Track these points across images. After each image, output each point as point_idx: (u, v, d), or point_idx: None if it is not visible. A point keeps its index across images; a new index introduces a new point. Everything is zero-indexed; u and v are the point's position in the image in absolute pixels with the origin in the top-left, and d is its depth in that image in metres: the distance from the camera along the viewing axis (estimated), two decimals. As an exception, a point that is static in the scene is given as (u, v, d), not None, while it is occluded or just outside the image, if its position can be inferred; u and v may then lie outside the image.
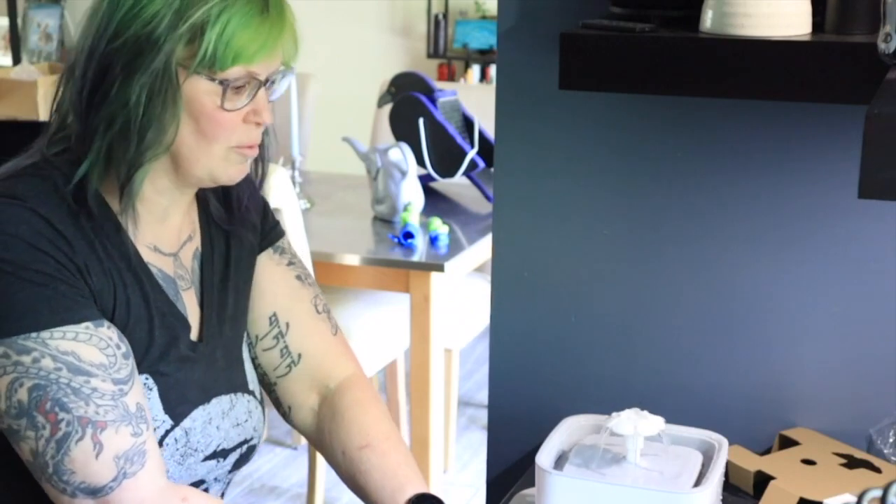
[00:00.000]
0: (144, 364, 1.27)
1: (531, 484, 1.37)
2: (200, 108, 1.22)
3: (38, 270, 1.19)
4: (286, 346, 1.45)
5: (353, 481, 1.40)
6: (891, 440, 1.41)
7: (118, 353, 1.22)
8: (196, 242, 1.38)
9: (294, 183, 3.20)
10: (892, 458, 1.40)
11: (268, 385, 1.47)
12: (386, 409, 1.47)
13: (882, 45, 1.02)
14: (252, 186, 1.40)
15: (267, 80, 1.26)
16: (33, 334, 1.17)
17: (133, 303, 1.27)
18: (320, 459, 2.95)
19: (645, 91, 1.34)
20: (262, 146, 1.33)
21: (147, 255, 1.30)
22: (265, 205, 1.48)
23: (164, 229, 1.33)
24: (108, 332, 1.22)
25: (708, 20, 1.22)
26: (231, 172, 1.28)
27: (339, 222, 3.16)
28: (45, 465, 1.18)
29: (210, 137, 1.24)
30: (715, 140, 1.48)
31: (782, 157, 1.46)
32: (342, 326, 3.17)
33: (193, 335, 1.34)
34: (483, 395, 3.75)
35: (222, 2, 1.20)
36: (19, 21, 5.78)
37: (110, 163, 1.24)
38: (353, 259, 2.85)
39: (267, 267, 1.45)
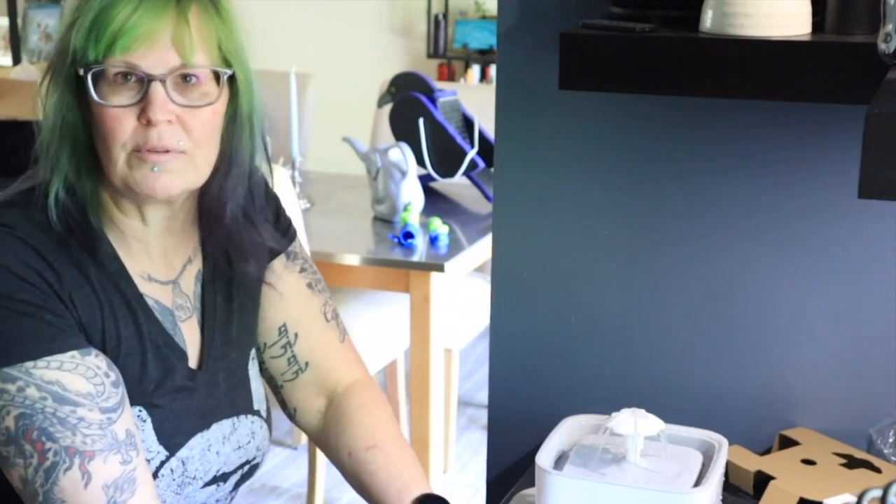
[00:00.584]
0: (137, 397, 1.25)
1: (531, 484, 1.37)
2: (90, 105, 1.20)
3: (24, 300, 1.17)
4: (294, 356, 1.44)
5: (358, 481, 1.39)
6: (891, 440, 1.41)
7: (106, 382, 1.20)
8: (197, 264, 1.35)
9: (294, 183, 3.20)
10: (892, 458, 1.40)
11: (274, 387, 1.47)
12: (391, 411, 1.47)
13: (882, 45, 1.02)
14: (252, 205, 1.33)
15: (166, 78, 1.18)
16: (18, 364, 1.16)
17: (124, 336, 1.25)
18: (320, 459, 2.95)
19: (645, 91, 1.34)
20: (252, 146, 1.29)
21: (142, 286, 1.27)
22: (277, 207, 1.44)
23: (156, 257, 1.29)
24: (96, 361, 1.20)
25: (708, 20, 1.22)
26: (141, 179, 1.20)
27: (339, 222, 3.15)
28: (36, 494, 1.17)
29: (104, 138, 1.20)
30: (715, 140, 1.48)
31: (782, 157, 1.46)
32: (342, 326, 3.15)
33: (193, 363, 1.32)
34: (483, 395, 3.75)
35: None
36: (19, 21, 5.77)
37: (70, 185, 1.23)
38: (353, 259, 2.85)
39: (280, 275, 1.42)
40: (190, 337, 1.32)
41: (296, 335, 1.44)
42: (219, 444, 1.33)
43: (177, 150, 1.20)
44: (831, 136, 1.42)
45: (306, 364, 1.45)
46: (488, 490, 1.69)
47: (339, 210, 3.26)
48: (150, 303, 1.28)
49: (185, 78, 1.20)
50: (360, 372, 1.48)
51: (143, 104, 1.18)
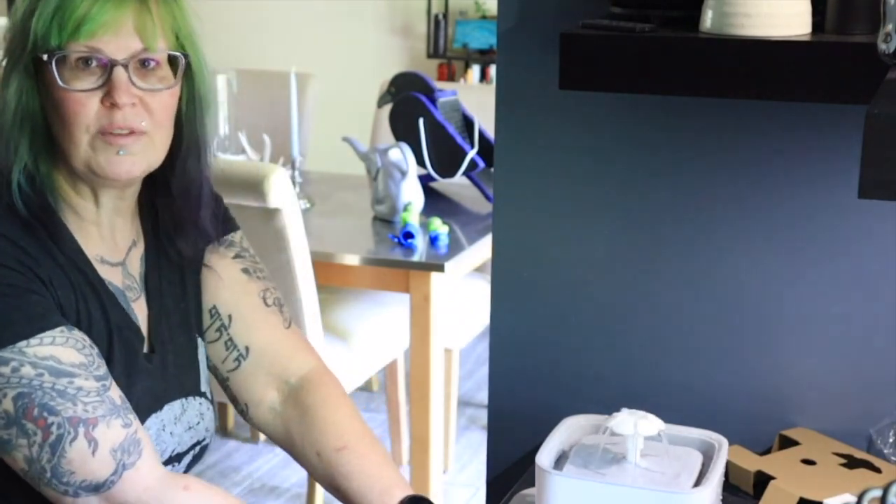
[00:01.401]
0: None
1: (531, 484, 1.37)
2: (51, 90, 1.23)
3: (9, 284, 1.19)
4: (230, 339, 1.43)
5: (332, 483, 1.38)
6: (891, 440, 1.41)
7: (94, 353, 1.23)
8: (140, 248, 1.37)
9: (294, 183, 3.20)
10: (892, 458, 1.40)
11: (221, 381, 1.46)
12: (354, 404, 1.45)
13: (882, 45, 1.02)
14: (205, 188, 1.37)
15: (128, 62, 1.23)
16: (9, 346, 1.17)
17: (94, 317, 1.27)
18: (320, 459, 2.95)
19: (645, 91, 1.34)
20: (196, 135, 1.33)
21: (98, 268, 1.30)
22: (218, 202, 1.46)
23: (106, 238, 1.32)
24: (81, 335, 1.23)
25: (708, 20, 1.22)
26: (105, 163, 1.24)
27: (339, 222, 3.15)
28: (43, 471, 1.18)
29: (67, 121, 1.23)
30: (715, 140, 1.48)
31: (782, 157, 1.46)
32: (342, 326, 3.19)
33: (145, 346, 1.34)
34: (483, 395, 3.75)
35: None
36: (19, 21, 5.77)
37: (29, 169, 1.25)
38: (353, 259, 2.85)
39: (210, 260, 1.43)
40: (141, 317, 1.35)
41: (229, 317, 1.43)
42: (171, 424, 1.35)
43: (139, 131, 1.25)
44: (831, 136, 1.42)
45: (247, 349, 1.43)
46: (488, 490, 1.69)
47: (339, 210, 3.26)
48: (110, 287, 1.30)
49: (144, 63, 1.25)
50: (312, 361, 1.46)
51: (106, 87, 1.23)
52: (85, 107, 1.22)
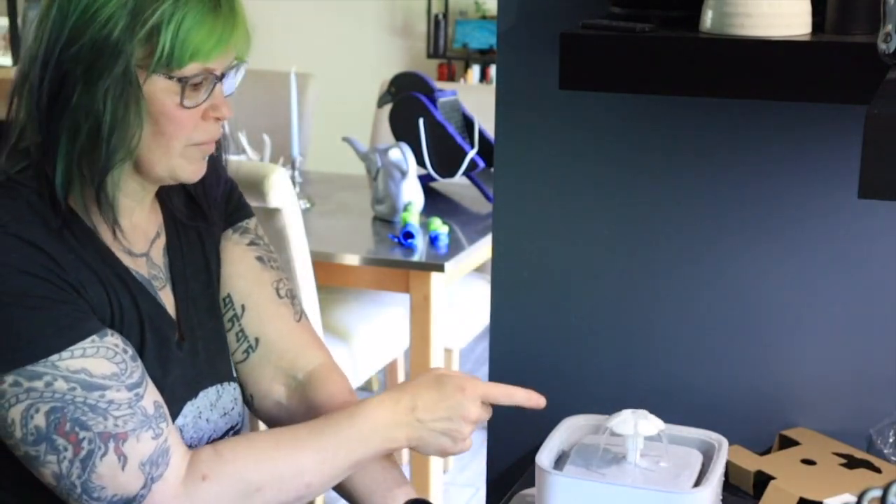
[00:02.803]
0: None
1: (531, 484, 1.37)
2: (161, 107, 1.22)
3: (39, 296, 1.18)
4: (242, 330, 1.43)
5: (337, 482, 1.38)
6: (891, 440, 1.41)
7: (126, 358, 1.22)
8: (163, 238, 1.37)
9: (294, 183, 3.21)
10: (892, 458, 1.40)
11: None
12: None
13: (882, 45, 1.02)
14: (216, 175, 1.40)
15: (222, 75, 1.26)
16: (42, 360, 1.17)
17: (126, 308, 1.27)
18: (320, 459, 2.95)
19: (645, 91, 1.34)
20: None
21: (125, 260, 1.29)
22: (232, 187, 1.47)
23: (132, 231, 1.32)
24: (113, 340, 1.22)
25: (708, 20, 1.22)
26: (191, 170, 1.28)
27: (339, 222, 3.16)
28: (73, 486, 1.18)
29: (170, 136, 1.23)
30: (715, 140, 1.48)
31: (782, 157, 1.46)
32: (342, 326, 3.18)
33: (176, 334, 1.34)
34: (483, 395, 3.74)
35: (175, 1, 1.19)
36: (19, 21, 5.78)
37: (78, 172, 1.23)
38: (353, 259, 2.85)
39: (225, 247, 1.43)
40: (169, 306, 1.34)
41: (243, 307, 1.42)
42: (207, 411, 1.35)
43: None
44: (831, 136, 1.42)
45: (256, 341, 1.43)
46: (488, 490, 1.69)
47: (339, 210, 3.26)
48: (137, 277, 1.30)
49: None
50: (321, 356, 1.46)
51: (211, 101, 1.25)
52: (194, 121, 1.24)
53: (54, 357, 1.17)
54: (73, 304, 1.20)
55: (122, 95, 1.19)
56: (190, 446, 1.31)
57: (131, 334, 1.26)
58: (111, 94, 1.19)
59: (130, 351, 1.23)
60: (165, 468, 1.20)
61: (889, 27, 1.01)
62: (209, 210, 1.40)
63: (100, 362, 1.19)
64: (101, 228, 1.27)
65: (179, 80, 1.21)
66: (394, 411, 1.28)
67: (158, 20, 1.19)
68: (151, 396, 1.22)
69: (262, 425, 1.50)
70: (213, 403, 1.36)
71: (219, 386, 1.38)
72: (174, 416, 1.30)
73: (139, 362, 1.24)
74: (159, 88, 1.21)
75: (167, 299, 1.34)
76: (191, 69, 1.21)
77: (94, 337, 1.20)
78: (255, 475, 1.24)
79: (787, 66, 1.18)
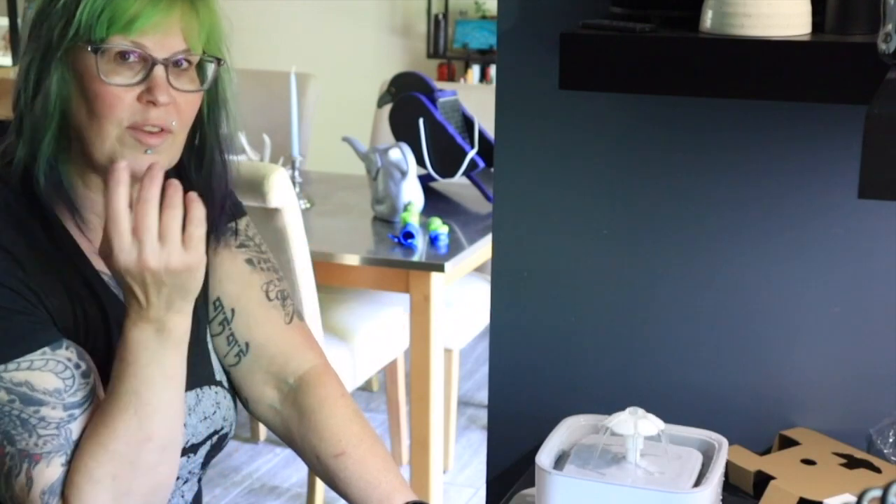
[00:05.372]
0: (105, 377, 1.25)
1: (531, 484, 1.37)
2: (85, 81, 1.21)
3: None
4: (232, 334, 1.41)
5: (333, 485, 1.38)
6: (891, 440, 1.41)
7: (76, 374, 1.21)
8: None
9: (294, 183, 3.20)
10: (892, 458, 1.40)
11: (226, 374, 1.44)
12: (353, 403, 1.43)
13: (882, 45, 1.02)
14: (224, 185, 1.38)
15: (168, 62, 1.23)
16: None
17: (91, 316, 1.26)
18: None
19: (645, 91, 1.34)
20: (219, 137, 1.33)
21: (97, 263, 1.28)
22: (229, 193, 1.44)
23: (101, 229, 1.29)
24: (67, 353, 1.21)
25: (708, 20, 1.22)
26: (133, 161, 1.21)
27: (339, 222, 3.16)
28: (2, 498, 1.19)
29: (98, 114, 1.21)
30: (715, 140, 1.48)
31: (782, 157, 1.46)
32: (342, 326, 3.18)
33: None
34: (483, 395, 3.75)
35: None
36: (19, 21, 5.78)
37: (54, 165, 1.23)
38: (353, 259, 2.85)
39: (214, 249, 1.40)
40: None
41: (232, 311, 1.41)
42: (185, 416, 1.33)
43: (168, 130, 1.24)
44: (831, 136, 1.42)
45: (247, 345, 1.41)
46: (488, 490, 1.69)
47: (339, 210, 3.26)
48: (107, 279, 1.29)
49: (178, 63, 1.25)
50: (312, 359, 1.43)
51: (146, 84, 1.22)
52: (122, 101, 1.22)
53: (0, 367, 1.17)
54: (29, 315, 1.20)
55: (45, 63, 1.21)
56: None
57: (97, 343, 1.25)
58: (35, 65, 1.21)
59: (83, 366, 1.22)
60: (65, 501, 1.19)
61: (889, 27, 1.01)
62: (210, 225, 1.38)
63: (45, 376, 1.18)
64: (73, 231, 1.26)
65: (95, 49, 1.20)
66: None
67: None
68: (85, 420, 1.21)
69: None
70: (192, 408, 1.34)
71: (198, 390, 1.36)
72: None
73: (91, 379, 1.22)
74: (84, 61, 1.21)
75: None
76: (112, 41, 1.20)
77: (46, 349, 1.19)
78: (99, 471, 1.19)
79: (787, 66, 1.18)
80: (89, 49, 1.20)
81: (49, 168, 1.24)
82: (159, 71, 1.22)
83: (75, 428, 1.20)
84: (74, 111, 1.23)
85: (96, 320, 1.27)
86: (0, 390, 1.17)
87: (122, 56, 1.21)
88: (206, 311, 1.41)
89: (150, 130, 1.23)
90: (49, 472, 1.18)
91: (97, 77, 1.21)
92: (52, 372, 1.19)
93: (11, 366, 1.17)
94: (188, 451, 1.35)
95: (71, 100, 1.23)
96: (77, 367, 1.21)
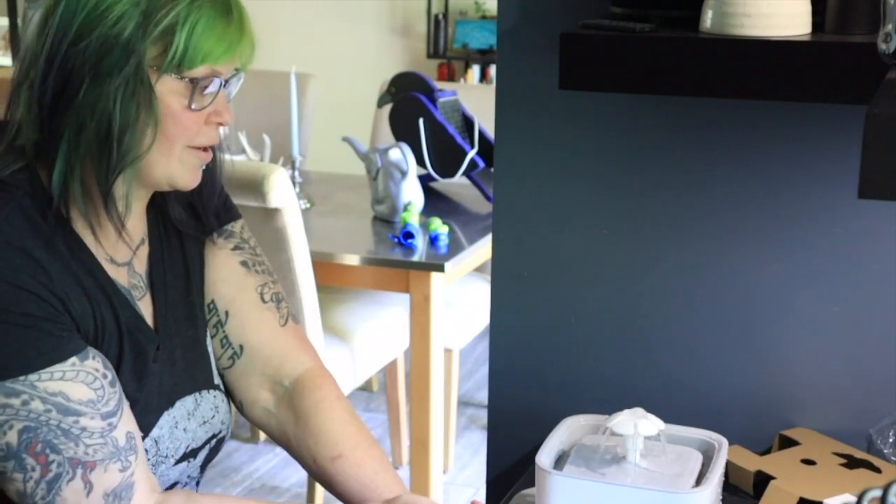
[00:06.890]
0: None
1: (531, 484, 1.37)
2: (168, 108, 1.21)
3: (23, 313, 1.17)
4: (226, 336, 1.41)
5: (330, 488, 1.38)
6: (891, 440, 1.41)
7: (105, 383, 1.21)
8: (147, 247, 1.35)
9: (294, 183, 3.20)
10: (892, 458, 1.40)
11: (220, 376, 1.44)
12: (349, 405, 1.43)
13: (882, 45, 1.02)
14: (213, 185, 1.38)
15: (227, 81, 1.26)
16: (21, 377, 1.16)
17: (107, 321, 1.26)
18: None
19: (645, 91, 1.34)
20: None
21: (108, 269, 1.28)
22: (222, 194, 1.45)
23: (119, 239, 1.30)
24: (94, 364, 1.21)
25: (708, 20, 1.22)
26: (187, 177, 1.27)
27: (339, 222, 3.16)
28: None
29: (172, 138, 1.23)
30: (714, 140, 1.48)
31: (782, 157, 1.46)
32: (342, 326, 3.18)
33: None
34: (483, 395, 3.75)
35: (190, 3, 1.20)
36: (19, 21, 5.78)
37: (79, 172, 1.22)
38: (353, 259, 2.85)
39: (210, 252, 1.41)
40: (147, 316, 1.33)
41: (226, 314, 1.41)
42: (184, 420, 1.34)
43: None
44: (831, 136, 1.42)
45: (241, 348, 1.41)
46: (488, 490, 1.69)
47: (339, 210, 3.26)
48: (119, 286, 1.29)
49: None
50: (307, 361, 1.43)
51: (215, 106, 1.25)
52: (198, 125, 1.24)
53: (33, 377, 1.17)
54: (58, 322, 1.19)
55: (133, 94, 1.19)
56: (167, 456, 1.32)
57: (111, 347, 1.26)
58: (122, 93, 1.18)
59: (110, 375, 1.22)
60: (128, 502, 1.21)
61: (889, 27, 1.01)
62: (207, 220, 1.39)
63: (78, 387, 1.19)
64: (85, 236, 1.26)
65: (191, 80, 1.21)
66: None
67: (173, 21, 1.19)
68: (125, 427, 1.22)
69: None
70: (191, 412, 1.35)
71: (197, 394, 1.36)
72: (150, 426, 1.29)
73: (117, 387, 1.23)
74: (168, 89, 1.21)
75: (146, 309, 1.33)
76: (200, 71, 1.21)
77: (75, 359, 1.19)
78: None
79: (787, 66, 1.18)
80: (182, 79, 1.21)
81: (69, 171, 1.22)
82: (224, 93, 1.26)
83: (119, 435, 1.21)
84: (137, 132, 1.21)
85: (111, 325, 1.26)
86: (35, 400, 1.17)
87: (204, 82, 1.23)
88: (202, 317, 1.41)
89: (206, 147, 1.27)
90: (108, 478, 1.20)
91: (185, 107, 1.22)
92: (83, 383, 1.19)
93: (44, 375, 1.17)
94: (188, 455, 1.35)
95: (136, 122, 1.20)
96: (104, 376, 1.22)
